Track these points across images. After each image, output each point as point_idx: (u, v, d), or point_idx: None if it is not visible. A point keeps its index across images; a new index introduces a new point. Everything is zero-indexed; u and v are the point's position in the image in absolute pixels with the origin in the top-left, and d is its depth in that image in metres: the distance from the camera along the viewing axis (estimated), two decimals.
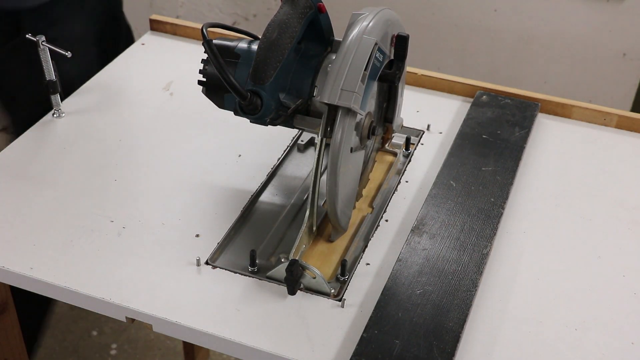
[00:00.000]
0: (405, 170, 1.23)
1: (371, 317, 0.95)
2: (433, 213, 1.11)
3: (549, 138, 1.32)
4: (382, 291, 0.99)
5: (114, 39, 1.67)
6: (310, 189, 1.04)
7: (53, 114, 1.32)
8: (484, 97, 1.36)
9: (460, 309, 0.96)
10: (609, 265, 1.07)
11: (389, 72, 1.07)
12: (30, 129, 1.29)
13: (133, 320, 0.99)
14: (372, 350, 0.90)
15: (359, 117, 1.03)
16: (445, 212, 1.11)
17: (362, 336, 0.92)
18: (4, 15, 1.51)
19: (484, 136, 1.27)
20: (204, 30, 0.99)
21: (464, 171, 1.19)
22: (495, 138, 1.27)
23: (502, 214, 1.12)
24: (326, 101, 0.97)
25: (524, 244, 1.10)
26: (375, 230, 1.11)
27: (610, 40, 2.28)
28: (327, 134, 1.00)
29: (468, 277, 1.00)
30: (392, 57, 1.08)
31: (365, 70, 0.98)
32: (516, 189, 1.20)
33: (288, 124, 1.08)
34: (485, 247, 1.05)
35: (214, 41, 1.04)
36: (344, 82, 0.97)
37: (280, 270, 1.01)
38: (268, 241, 1.10)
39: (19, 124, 1.47)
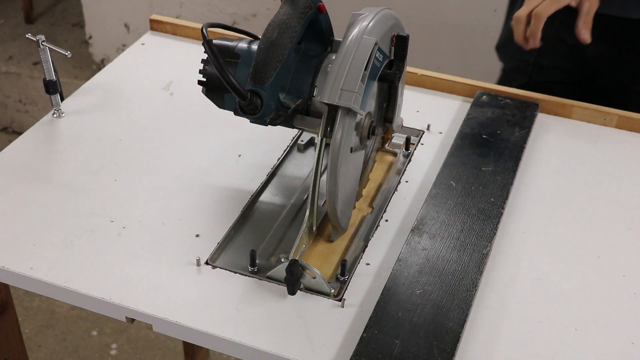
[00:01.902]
0: (405, 170, 1.23)
1: (371, 317, 0.95)
2: (433, 213, 1.11)
3: (549, 138, 1.32)
4: (382, 291, 0.99)
5: None
6: (310, 189, 1.04)
7: (53, 114, 1.32)
8: (484, 97, 1.36)
9: (460, 309, 0.96)
10: (609, 265, 1.07)
11: (389, 72, 1.07)
12: (30, 129, 1.29)
13: (133, 320, 0.99)
14: (372, 350, 0.90)
15: (359, 117, 1.03)
16: (445, 212, 1.11)
17: (362, 336, 0.92)
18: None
19: (484, 136, 1.27)
20: (204, 30, 0.99)
21: (464, 171, 1.19)
22: (495, 138, 1.27)
23: (502, 214, 1.12)
24: (326, 101, 0.97)
25: (524, 244, 1.10)
26: (375, 230, 1.11)
27: None
28: (327, 134, 1.00)
29: (468, 277, 1.00)
30: (392, 57, 1.08)
31: (365, 70, 0.98)
32: (516, 189, 1.19)
33: (288, 124, 1.08)
34: (485, 247, 1.05)
35: (214, 41, 1.04)
36: (344, 82, 0.97)
37: (280, 270, 1.01)
38: (268, 241, 1.10)
39: None
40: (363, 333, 0.93)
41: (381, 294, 0.98)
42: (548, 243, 1.10)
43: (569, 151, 1.29)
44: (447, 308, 0.96)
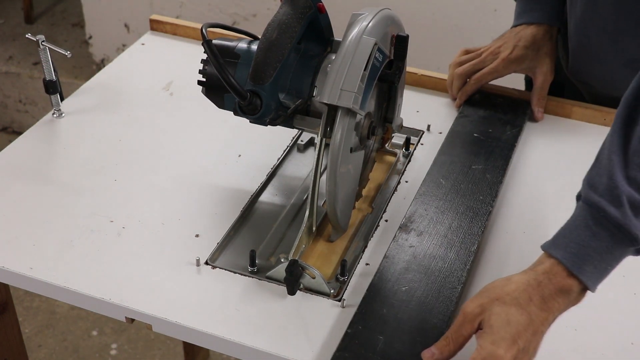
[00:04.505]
0: (405, 170, 1.23)
1: (356, 313, 0.95)
2: (421, 210, 1.11)
3: (548, 138, 1.32)
4: (368, 287, 0.99)
5: None
6: (310, 189, 1.04)
7: (53, 114, 1.32)
8: (477, 95, 1.37)
9: (445, 306, 0.96)
10: None
11: (389, 72, 1.07)
12: (30, 129, 1.29)
13: (133, 320, 0.99)
14: (355, 346, 0.90)
15: (358, 117, 1.03)
16: (433, 210, 1.11)
17: (346, 332, 0.92)
18: None
19: (475, 134, 1.27)
20: (204, 30, 0.99)
21: (454, 169, 1.19)
22: (487, 136, 1.27)
23: (490, 212, 1.11)
24: (326, 101, 0.97)
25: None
26: (375, 230, 1.11)
27: None
28: (327, 134, 1.00)
29: (454, 275, 1.00)
30: (392, 57, 1.08)
31: (365, 70, 0.98)
32: (506, 188, 1.19)
33: (288, 124, 1.08)
34: (472, 245, 1.05)
35: (214, 41, 1.04)
36: (343, 82, 0.97)
37: (280, 271, 1.01)
38: (268, 241, 1.10)
39: None
40: (347, 329, 0.93)
41: (367, 291, 0.98)
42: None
43: (568, 151, 1.29)
44: (432, 305, 0.96)
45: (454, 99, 1.37)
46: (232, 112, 1.05)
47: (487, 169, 1.19)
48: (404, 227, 1.08)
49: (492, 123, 1.30)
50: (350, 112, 0.98)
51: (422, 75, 1.42)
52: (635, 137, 0.87)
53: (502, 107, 1.34)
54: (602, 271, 0.87)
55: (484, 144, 1.25)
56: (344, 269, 1.03)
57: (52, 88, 1.29)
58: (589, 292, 0.89)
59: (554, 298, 0.87)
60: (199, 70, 1.07)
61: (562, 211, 1.15)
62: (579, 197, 0.91)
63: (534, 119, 1.35)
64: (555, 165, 1.26)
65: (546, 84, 1.34)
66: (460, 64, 1.37)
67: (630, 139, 0.88)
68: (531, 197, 1.19)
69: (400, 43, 1.07)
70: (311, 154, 1.27)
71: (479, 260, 1.07)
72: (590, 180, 0.89)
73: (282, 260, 1.05)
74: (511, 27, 1.38)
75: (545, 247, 0.89)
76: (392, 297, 0.97)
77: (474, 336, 0.88)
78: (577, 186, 1.20)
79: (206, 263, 1.05)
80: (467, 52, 1.39)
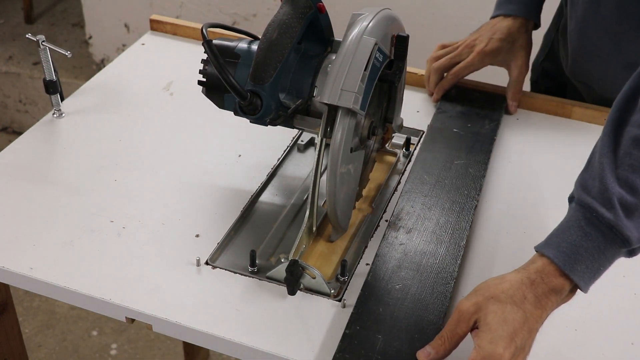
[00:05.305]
0: (405, 170, 1.23)
1: (352, 313, 0.95)
2: (408, 207, 1.11)
3: (549, 137, 1.32)
4: (362, 287, 0.99)
5: None
6: (310, 189, 1.04)
7: (53, 114, 1.32)
8: (453, 90, 1.37)
9: (440, 302, 0.96)
10: None
11: (389, 72, 1.07)
12: (30, 129, 1.29)
13: (133, 320, 0.99)
14: (355, 346, 0.90)
15: (359, 117, 1.03)
16: (420, 207, 1.11)
17: (344, 332, 0.92)
18: None
19: (454, 130, 1.27)
20: (204, 30, 0.99)
21: (437, 165, 1.19)
22: (466, 131, 1.27)
23: (475, 206, 1.12)
24: (326, 101, 0.97)
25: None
26: (375, 230, 1.11)
27: None
28: (327, 134, 1.00)
29: (446, 270, 1.01)
30: (392, 57, 1.08)
31: (365, 70, 0.97)
32: (488, 181, 1.20)
33: (288, 124, 1.08)
34: (461, 240, 1.05)
35: (214, 41, 1.04)
36: (344, 82, 0.97)
37: (280, 271, 1.01)
38: (268, 241, 1.10)
39: None
40: (345, 329, 0.93)
41: (361, 290, 0.98)
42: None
43: (569, 150, 1.29)
44: (427, 301, 0.96)
45: (431, 94, 1.38)
46: (232, 112, 1.05)
47: (469, 164, 1.19)
48: (392, 225, 1.08)
49: (470, 118, 1.31)
50: (350, 112, 0.98)
51: (422, 75, 1.42)
52: (626, 138, 0.87)
53: (478, 102, 1.35)
54: (595, 272, 0.87)
55: (464, 139, 1.25)
56: (344, 269, 1.03)
57: (52, 88, 1.29)
58: (590, 293, 0.89)
59: (547, 296, 0.87)
60: (199, 70, 1.07)
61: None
62: (571, 199, 0.91)
63: (508, 112, 1.36)
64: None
65: (521, 77, 1.35)
66: (437, 58, 1.37)
67: (621, 141, 0.88)
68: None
69: (401, 43, 1.07)
70: (311, 154, 1.27)
71: (468, 255, 1.07)
72: (582, 183, 0.89)
73: (282, 260, 1.05)
74: (489, 19, 1.38)
75: (538, 248, 0.90)
76: (387, 296, 0.97)
77: (468, 334, 0.88)
78: (572, 183, 1.21)
79: (206, 263, 1.05)
80: (444, 46, 1.40)
